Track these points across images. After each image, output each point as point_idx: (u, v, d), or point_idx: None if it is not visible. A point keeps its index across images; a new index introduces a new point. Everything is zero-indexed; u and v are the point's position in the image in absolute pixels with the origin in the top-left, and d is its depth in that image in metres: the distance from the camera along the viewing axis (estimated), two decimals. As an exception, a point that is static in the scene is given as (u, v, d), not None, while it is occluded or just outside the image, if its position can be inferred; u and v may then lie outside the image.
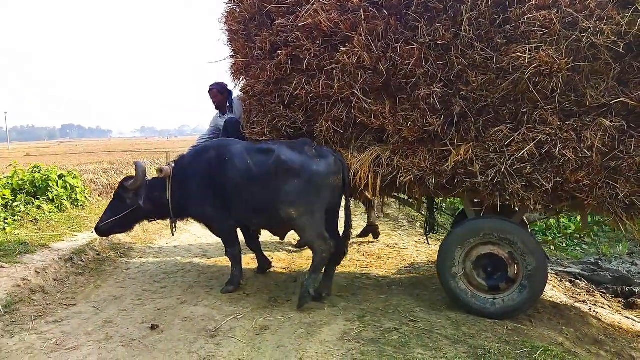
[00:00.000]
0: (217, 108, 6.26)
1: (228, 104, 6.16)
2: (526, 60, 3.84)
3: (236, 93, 5.94)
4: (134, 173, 5.12)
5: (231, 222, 4.99)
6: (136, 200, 5.05)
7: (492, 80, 4.05)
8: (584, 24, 3.75)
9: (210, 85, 6.19)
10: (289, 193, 4.43)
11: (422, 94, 4.27)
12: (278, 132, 4.97)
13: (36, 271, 5.10)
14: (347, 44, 4.47)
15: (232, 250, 5.10)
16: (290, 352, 3.59)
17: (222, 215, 4.92)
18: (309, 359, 3.50)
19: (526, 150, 3.96)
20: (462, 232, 4.40)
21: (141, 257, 6.64)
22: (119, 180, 5.53)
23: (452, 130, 4.25)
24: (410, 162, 4.42)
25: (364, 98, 4.48)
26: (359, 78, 4.48)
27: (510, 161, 4.02)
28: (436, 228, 5.69)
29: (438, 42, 4.18)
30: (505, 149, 4.06)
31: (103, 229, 5.19)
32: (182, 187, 5.02)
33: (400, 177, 4.45)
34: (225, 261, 4.77)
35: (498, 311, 4.23)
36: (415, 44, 4.23)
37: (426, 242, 6.36)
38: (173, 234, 5.33)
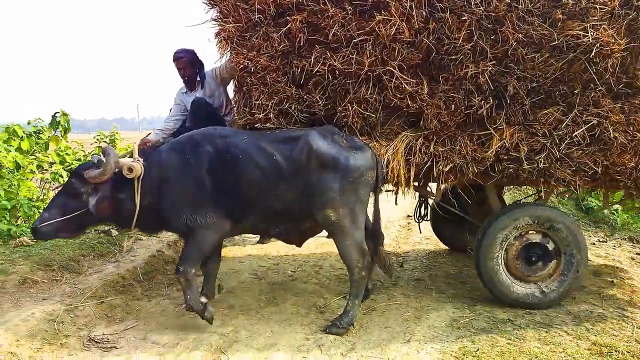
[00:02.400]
0: (185, 82, 4.99)
1: (198, 79, 4.95)
2: (590, 39, 3.60)
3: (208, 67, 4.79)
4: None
5: (224, 233, 4.01)
6: (93, 199, 3.81)
7: (546, 59, 3.76)
8: (638, 2, 3.62)
9: (177, 52, 4.90)
10: (326, 190, 3.65)
11: (469, 73, 3.80)
12: (287, 118, 4.07)
13: (168, 244, 5.82)
14: (382, 12, 3.73)
15: (192, 267, 3.86)
16: (397, 334, 3.73)
17: (220, 225, 3.92)
18: (417, 341, 3.59)
19: (578, 134, 3.81)
20: (509, 219, 4.14)
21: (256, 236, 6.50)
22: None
23: (500, 113, 3.90)
24: (449, 149, 3.99)
25: (402, 76, 3.84)
26: (396, 53, 3.82)
27: (561, 145, 3.85)
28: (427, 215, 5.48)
29: (491, 14, 3.70)
30: (555, 133, 3.87)
31: (44, 232, 3.79)
32: (158, 191, 3.90)
33: (438, 165, 4.01)
34: (331, 244, 4.25)
35: (541, 301, 4.15)
36: (465, 15, 3.69)
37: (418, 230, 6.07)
38: (124, 249, 4.17)
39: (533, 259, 4.11)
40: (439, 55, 3.83)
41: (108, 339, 3.65)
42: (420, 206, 5.64)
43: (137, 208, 3.79)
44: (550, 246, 4.12)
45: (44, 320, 3.76)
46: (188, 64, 4.89)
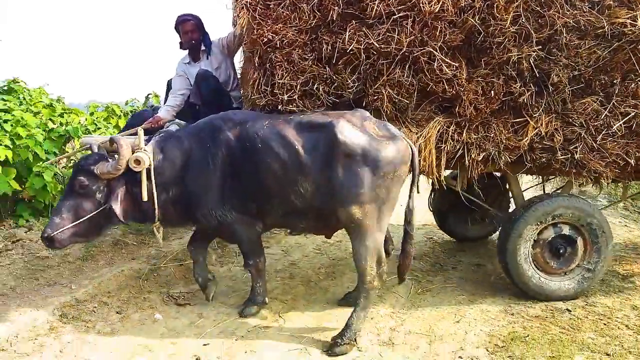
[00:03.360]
0: (189, 52, 4.46)
1: (203, 48, 4.41)
2: (637, 29, 3.46)
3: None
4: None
5: (259, 227, 3.69)
6: (109, 197, 3.40)
7: (590, 46, 3.59)
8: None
9: (183, 15, 4.39)
10: (352, 186, 3.30)
11: (512, 58, 3.57)
12: (313, 100, 3.69)
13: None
14: (426, -14, 3.39)
15: (256, 261, 3.80)
16: (448, 314, 3.84)
17: (247, 220, 3.60)
18: (467, 323, 3.68)
19: (617, 125, 3.71)
20: (539, 211, 4.01)
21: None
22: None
23: (539, 101, 3.72)
24: (483, 137, 3.79)
25: (443, 59, 3.55)
26: (437, 32, 3.51)
27: (597, 136, 3.74)
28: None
29: (540, -5, 3.46)
30: (591, 123, 3.75)
31: (58, 240, 3.36)
32: (182, 182, 3.52)
33: (470, 154, 3.80)
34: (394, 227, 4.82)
35: (567, 292, 4.08)
36: (513, -5, 3.43)
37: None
38: (161, 243, 3.79)
39: (561, 250, 4.03)
40: (482, 37, 3.56)
41: (184, 296, 4.16)
42: (434, 195, 5.47)
43: (155, 201, 3.43)
44: (579, 238, 4.04)
45: (132, 277, 4.42)
46: (196, 28, 4.38)
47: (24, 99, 6.33)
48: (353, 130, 3.32)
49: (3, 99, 5.83)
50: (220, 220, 3.54)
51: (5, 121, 5.27)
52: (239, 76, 4.73)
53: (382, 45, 3.49)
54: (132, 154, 3.34)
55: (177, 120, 4.66)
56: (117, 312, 3.84)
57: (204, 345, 3.39)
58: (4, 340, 3.31)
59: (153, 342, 3.42)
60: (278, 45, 3.52)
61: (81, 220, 3.36)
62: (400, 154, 3.35)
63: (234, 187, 3.49)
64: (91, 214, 3.38)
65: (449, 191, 4.53)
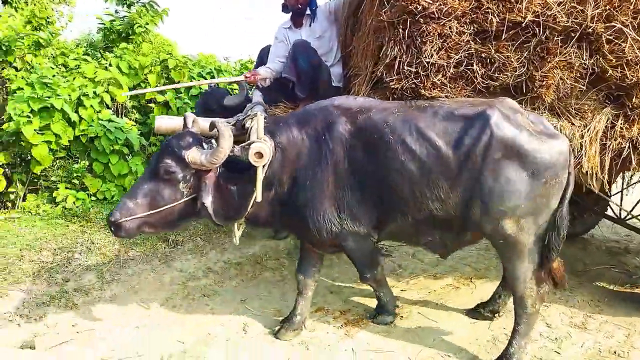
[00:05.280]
0: (292, 15, 3.94)
1: (308, 12, 3.72)
2: None
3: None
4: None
5: (374, 238, 3.07)
6: (195, 189, 2.78)
7: None
8: None
9: None
10: (507, 194, 2.67)
11: None
12: (464, 85, 3.01)
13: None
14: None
15: (374, 274, 3.22)
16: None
17: (363, 231, 2.96)
18: None
19: None
20: None
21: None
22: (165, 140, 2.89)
23: None
24: (655, 133, 3.17)
25: (636, 37, 2.88)
26: (630, 5, 2.83)
27: None
28: None
29: None
30: None
31: (127, 228, 2.78)
32: (291, 181, 2.91)
33: (638, 152, 3.19)
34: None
35: None
36: None
37: None
38: (237, 241, 3.09)
39: None
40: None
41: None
42: None
43: (252, 200, 2.83)
44: None
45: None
46: None
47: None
48: (509, 124, 2.67)
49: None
50: (331, 231, 2.91)
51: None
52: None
53: (563, 19, 2.81)
54: (231, 144, 2.70)
55: (260, 99, 3.99)
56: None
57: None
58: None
59: None
60: (435, 15, 2.80)
61: (157, 210, 2.75)
62: (563, 156, 2.72)
63: (354, 190, 2.85)
64: (170, 205, 2.76)
65: None
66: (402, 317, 3.56)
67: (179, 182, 2.75)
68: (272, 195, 2.90)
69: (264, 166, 2.73)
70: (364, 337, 3.29)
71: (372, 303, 3.60)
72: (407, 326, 3.44)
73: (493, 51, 2.92)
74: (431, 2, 2.78)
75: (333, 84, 3.94)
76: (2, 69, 5.80)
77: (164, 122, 3.51)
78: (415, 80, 2.96)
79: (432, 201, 2.75)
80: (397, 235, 3.14)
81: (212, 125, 2.86)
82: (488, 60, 2.95)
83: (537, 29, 2.84)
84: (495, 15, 2.83)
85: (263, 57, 4.35)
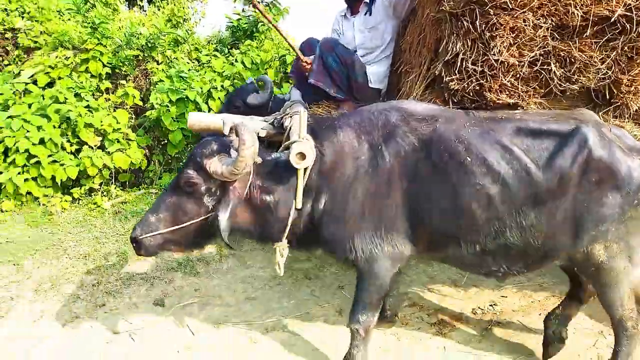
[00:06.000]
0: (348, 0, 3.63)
1: (368, 1, 3.43)
2: None
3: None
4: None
5: (403, 264, 2.66)
6: (223, 209, 2.39)
7: None
8: None
9: None
10: (600, 217, 2.31)
11: None
12: (536, 88, 2.62)
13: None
14: None
15: (370, 320, 2.62)
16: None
17: (396, 256, 2.54)
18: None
19: None
20: None
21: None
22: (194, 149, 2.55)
23: None
24: None
25: None
26: None
27: None
28: None
29: None
30: None
31: (148, 246, 2.50)
32: (320, 191, 2.51)
33: None
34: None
35: None
36: None
37: None
38: (281, 271, 2.67)
39: None
40: None
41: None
42: None
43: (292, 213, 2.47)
44: None
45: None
46: None
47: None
48: (605, 142, 2.30)
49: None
50: (364, 253, 2.50)
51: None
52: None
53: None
54: (256, 152, 2.33)
55: (299, 98, 3.70)
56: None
57: None
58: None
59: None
60: (508, 5, 2.43)
61: (180, 227, 2.45)
62: None
63: (406, 211, 2.45)
64: (193, 221, 2.45)
65: None
66: (500, 323, 3.27)
67: (203, 194, 2.43)
68: (313, 209, 2.53)
69: (305, 170, 2.41)
70: (457, 336, 3.13)
71: (469, 304, 3.48)
72: (504, 332, 3.18)
73: (574, 49, 2.52)
74: (503, -12, 2.41)
75: (370, 85, 3.59)
76: (147, 62, 6.61)
77: (198, 119, 3.23)
78: (480, 81, 2.59)
79: (511, 229, 2.36)
80: (449, 261, 2.76)
81: (232, 128, 2.53)
82: (567, 59, 2.55)
83: (627, 25, 2.43)
84: (579, 7, 2.43)
85: (304, 50, 4.04)
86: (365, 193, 2.45)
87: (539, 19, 2.49)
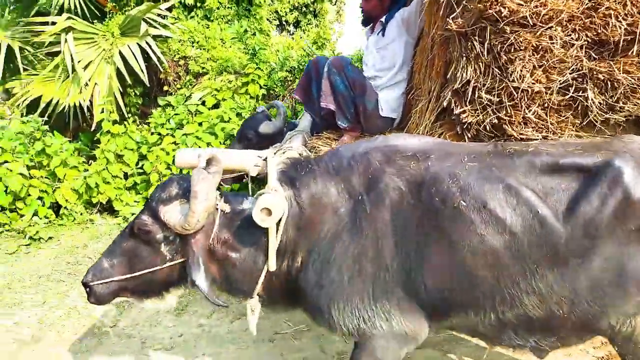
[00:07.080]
0: (364, 19, 3.36)
1: (384, 20, 3.12)
2: None
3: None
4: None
5: (411, 346, 2.15)
6: (180, 252, 2.10)
7: None
8: None
9: None
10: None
11: None
12: (567, 117, 2.12)
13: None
14: None
15: None
16: None
17: (402, 334, 2.05)
18: None
19: None
20: None
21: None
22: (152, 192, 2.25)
23: None
24: None
25: None
26: None
27: None
28: None
29: None
30: None
31: (99, 294, 2.19)
32: (296, 249, 2.11)
33: None
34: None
35: None
36: None
37: None
38: (253, 329, 2.27)
39: None
40: None
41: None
42: None
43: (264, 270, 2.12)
44: None
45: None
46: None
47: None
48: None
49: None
50: (357, 327, 2.04)
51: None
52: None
53: None
54: (211, 205, 1.97)
55: (307, 125, 3.34)
56: None
57: None
58: None
59: None
60: (529, 21, 1.95)
61: (135, 274, 2.13)
62: None
63: (398, 273, 1.97)
64: (149, 270, 2.11)
65: None
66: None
67: (159, 243, 2.10)
68: (286, 265, 2.13)
69: (278, 225, 2.01)
70: None
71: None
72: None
73: (616, 70, 2.01)
74: (522, 2, 1.93)
75: (382, 114, 3.16)
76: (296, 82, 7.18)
77: (185, 157, 2.90)
78: (498, 113, 2.11)
79: (528, 294, 1.85)
80: (465, 331, 2.27)
81: (195, 173, 2.15)
82: (609, 83, 2.03)
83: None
84: (621, 18, 1.93)
85: (310, 71, 3.68)
86: (345, 253, 2.00)
87: (569, 35, 1.99)
